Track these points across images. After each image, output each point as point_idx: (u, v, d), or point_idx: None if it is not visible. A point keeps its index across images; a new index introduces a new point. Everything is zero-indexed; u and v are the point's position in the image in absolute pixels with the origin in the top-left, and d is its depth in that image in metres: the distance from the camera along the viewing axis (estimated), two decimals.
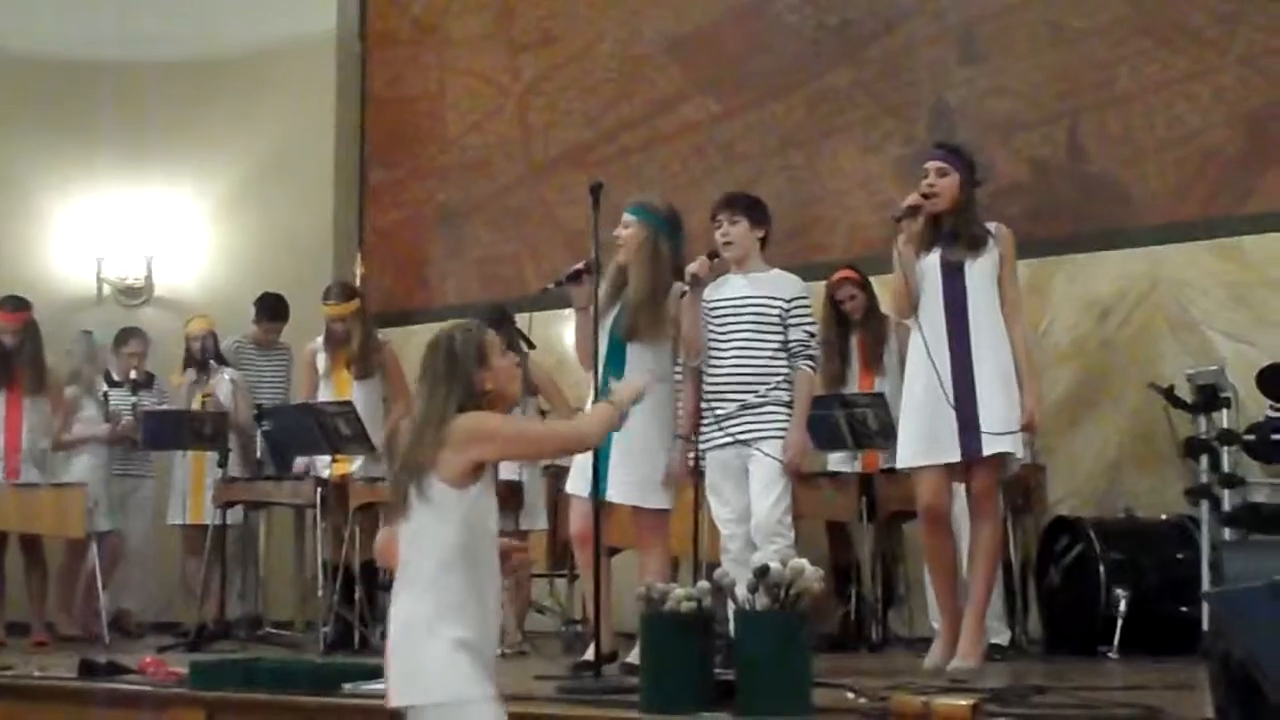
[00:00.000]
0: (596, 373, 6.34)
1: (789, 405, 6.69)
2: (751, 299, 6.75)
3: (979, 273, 6.39)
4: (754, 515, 6.60)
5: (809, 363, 6.77)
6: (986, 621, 6.62)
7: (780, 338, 6.73)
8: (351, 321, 9.17)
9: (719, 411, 6.70)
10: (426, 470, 4.03)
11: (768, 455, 6.59)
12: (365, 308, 9.30)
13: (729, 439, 6.66)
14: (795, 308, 6.76)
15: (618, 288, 6.71)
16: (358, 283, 10.10)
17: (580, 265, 6.66)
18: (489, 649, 4.06)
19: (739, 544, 6.60)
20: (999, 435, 6.23)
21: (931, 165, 6.50)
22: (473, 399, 4.08)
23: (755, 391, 6.66)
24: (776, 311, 6.73)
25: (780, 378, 6.70)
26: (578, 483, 6.63)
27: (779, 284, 6.80)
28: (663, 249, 6.69)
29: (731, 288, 6.84)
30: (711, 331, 6.78)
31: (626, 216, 6.77)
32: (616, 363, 6.58)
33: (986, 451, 6.24)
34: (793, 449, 6.63)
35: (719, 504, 6.73)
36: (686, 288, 6.65)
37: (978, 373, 6.28)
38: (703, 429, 6.78)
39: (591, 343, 6.46)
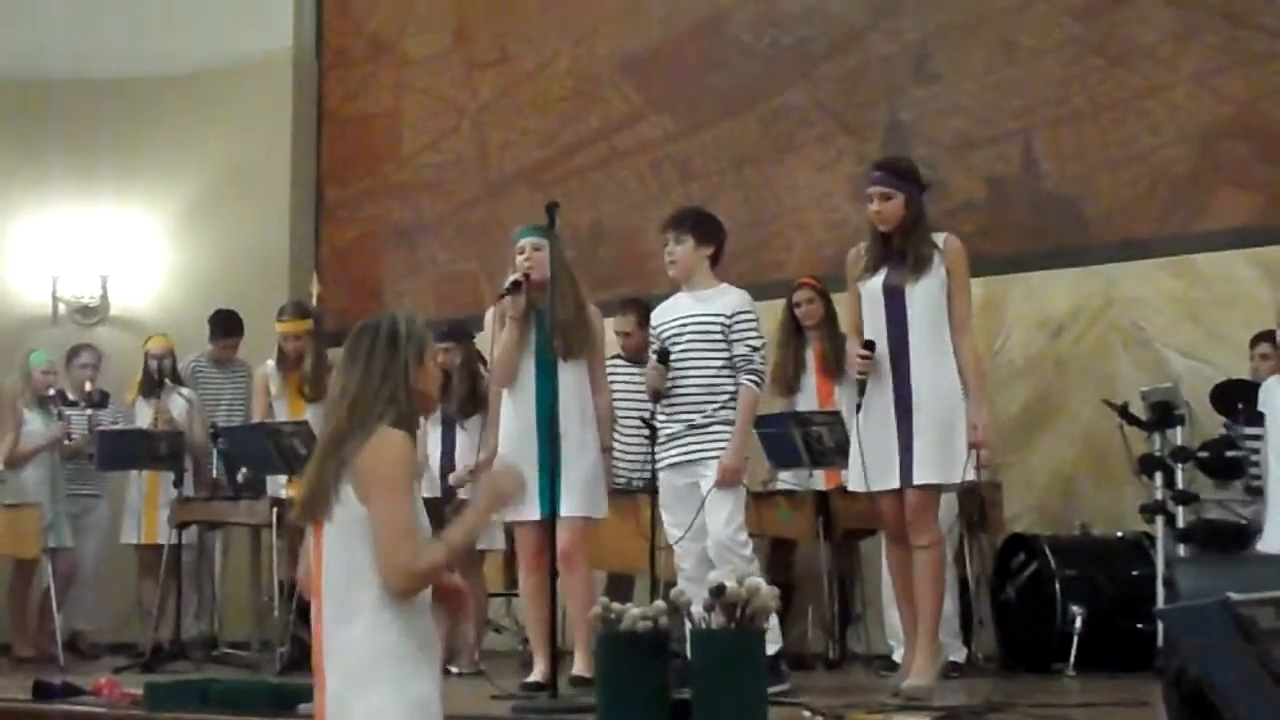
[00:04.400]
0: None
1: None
2: (694, 316, 6.73)
3: (921, 295, 6.23)
4: (709, 534, 6.58)
5: (752, 378, 6.71)
6: (942, 639, 6.59)
7: (726, 354, 6.68)
8: (305, 341, 9.14)
9: (668, 430, 6.71)
10: (348, 465, 3.73)
11: (710, 477, 6.57)
12: (320, 329, 9.27)
13: (677, 459, 6.68)
14: (738, 322, 6.70)
15: (529, 310, 6.80)
16: (314, 301, 10.06)
17: (518, 276, 6.75)
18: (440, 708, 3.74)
19: (692, 561, 6.59)
20: (932, 465, 6.16)
21: (874, 191, 6.33)
22: (405, 393, 3.83)
23: (702, 411, 6.66)
24: (719, 328, 6.69)
25: (728, 395, 6.67)
26: (522, 509, 6.55)
27: (722, 300, 6.76)
28: (568, 265, 6.82)
29: (677, 307, 6.84)
30: None
31: (531, 240, 6.81)
32: (546, 382, 6.66)
33: (917, 480, 6.17)
34: (723, 466, 6.56)
35: (671, 522, 6.73)
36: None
37: (916, 400, 6.18)
38: (657, 447, 6.79)
39: (516, 357, 6.70)
